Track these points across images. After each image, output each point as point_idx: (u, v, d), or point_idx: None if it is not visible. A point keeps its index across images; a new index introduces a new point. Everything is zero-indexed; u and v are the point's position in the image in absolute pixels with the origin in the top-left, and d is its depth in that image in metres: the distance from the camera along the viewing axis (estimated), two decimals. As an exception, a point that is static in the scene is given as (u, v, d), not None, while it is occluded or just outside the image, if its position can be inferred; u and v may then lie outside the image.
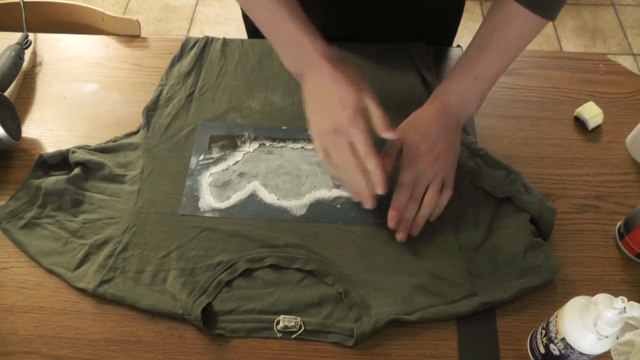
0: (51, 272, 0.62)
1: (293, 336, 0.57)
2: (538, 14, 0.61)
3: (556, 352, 0.51)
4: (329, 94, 0.59)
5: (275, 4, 0.61)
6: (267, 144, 0.72)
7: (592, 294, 0.48)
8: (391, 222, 0.63)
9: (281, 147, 0.72)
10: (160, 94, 0.76)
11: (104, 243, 0.63)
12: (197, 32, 2.07)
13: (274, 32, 0.65)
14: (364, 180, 0.60)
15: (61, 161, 0.70)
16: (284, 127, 0.73)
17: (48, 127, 0.75)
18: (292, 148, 0.71)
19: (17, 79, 0.80)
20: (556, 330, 0.50)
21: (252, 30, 0.95)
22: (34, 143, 0.74)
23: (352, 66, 0.61)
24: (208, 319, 0.58)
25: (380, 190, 0.60)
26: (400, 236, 0.62)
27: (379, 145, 0.60)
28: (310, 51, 0.61)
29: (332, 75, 0.60)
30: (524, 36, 0.65)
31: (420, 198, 0.63)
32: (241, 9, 0.94)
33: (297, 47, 0.62)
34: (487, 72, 0.66)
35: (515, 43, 0.65)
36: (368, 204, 0.62)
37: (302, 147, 0.71)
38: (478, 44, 0.67)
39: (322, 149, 0.62)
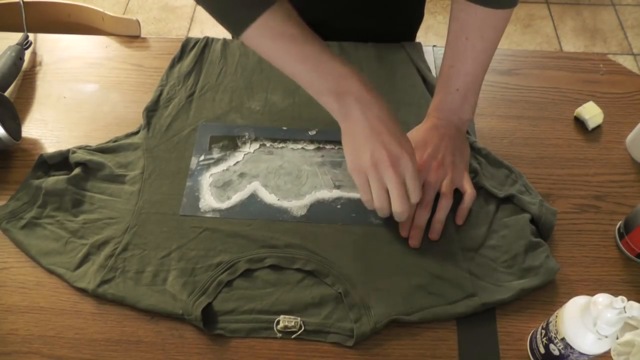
0: (51, 272, 0.62)
1: (293, 336, 0.57)
2: (495, 7, 0.59)
3: (556, 352, 0.51)
4: (386, 127, 0.57)
5: (301, 36, 0.57)
6: (268, 145, 0.72)
7: (592, 294, 0.48)
8: (401, 228, 0.64)
9: (282, 147, 0.72)
10: (160, 94, 0.76)
11: (104, 243, 0.63)
12: (197, 32, 2.07)
13: (307, 66, 0.58)
14: (408, 209, 0.59)
15: (61, 161, 0.70)
16: (284, 128, 0.73)
17: (48, 127, 0.75)
18: (292, 149, 0.71)
19: (17, 79, 0.80)
20: (556, 330, 0.50)
21: None
22: (34, 143, 0.74)
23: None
24: (208, 319, 0.58)
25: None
26: (412, 242, 0.63)
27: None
28: (355, 82, 0.57)
29: (382, 108, 0.57)
30: (487, 37, 0.63)
31: (430, 204, 0.64)
32: None
33: (337, 78, 0.57)
34: (466, 82, 0.66)
35: (482, 47, 0.63)
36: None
37: (302, 148, 0.71)
38: (448, 58, 0.66)
39: (362, 180, 0.59)
